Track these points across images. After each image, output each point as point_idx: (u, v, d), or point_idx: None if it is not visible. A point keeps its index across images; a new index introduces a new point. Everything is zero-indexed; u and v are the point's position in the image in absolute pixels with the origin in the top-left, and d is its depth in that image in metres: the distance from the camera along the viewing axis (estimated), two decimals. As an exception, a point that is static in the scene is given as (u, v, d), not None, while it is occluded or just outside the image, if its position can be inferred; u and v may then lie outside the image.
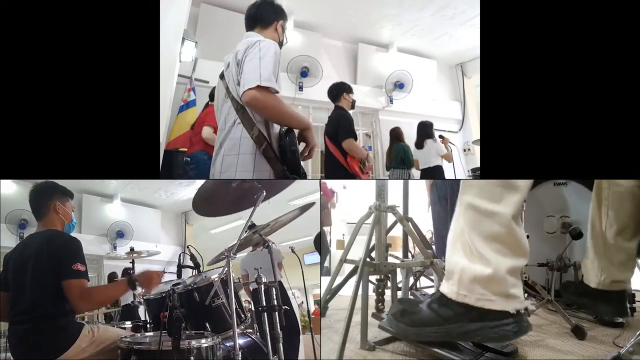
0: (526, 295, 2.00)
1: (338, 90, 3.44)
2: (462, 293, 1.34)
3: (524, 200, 1.35)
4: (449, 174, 4.91)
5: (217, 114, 1.84)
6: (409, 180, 3.50)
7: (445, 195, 2.54)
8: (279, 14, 1.87)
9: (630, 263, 1.84)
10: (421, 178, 4.73)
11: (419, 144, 4.73)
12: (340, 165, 3.25)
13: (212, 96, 3.67)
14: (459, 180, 2.04)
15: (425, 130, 4.76)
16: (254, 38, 1.70)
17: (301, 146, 1.82)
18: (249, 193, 1.72)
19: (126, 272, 4.38)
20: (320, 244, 3.60)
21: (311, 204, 2.01)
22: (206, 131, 3.41)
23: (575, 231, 2.25)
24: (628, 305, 1.86)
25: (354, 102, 3.54)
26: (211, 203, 1.80)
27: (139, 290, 2.23)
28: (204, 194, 1.73)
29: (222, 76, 1.80)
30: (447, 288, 1.39)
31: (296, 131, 1.74)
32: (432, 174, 4.55)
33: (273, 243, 2.61)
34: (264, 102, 1.57)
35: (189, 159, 3.47)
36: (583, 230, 2.17)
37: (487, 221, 1.32)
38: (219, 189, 1.72)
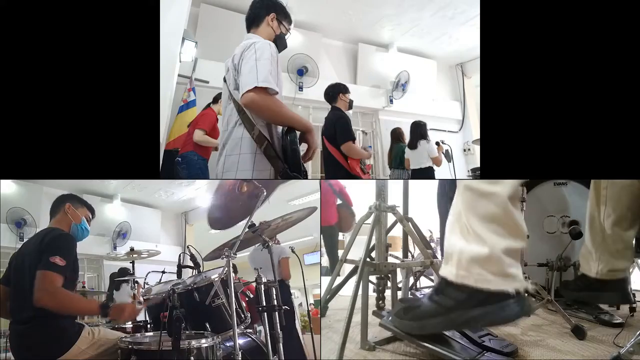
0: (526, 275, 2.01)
1: (334, 92, 3.43)
2: (460, 274, 1.35)
3: (521, 183, 1.37)
4: (449, 174, 4.89)
5: (222, 116, 1.85)
6: (409, 180, 3.49)
7: (450, 195, 2.52)
8: (270, 8, 1.85)
9: (628, 252, 1.87)
10: (412, 178, 4.71)
11: (413, 145, 4.61)
12: (340, 167, 3.26)
13: (215, 99, 3.68)
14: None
15: (419, 131, 4.61)
16: (250, 40, 1.70)
17: (302, 147, 1.82)
18: (254, 193, 1.73)
19: (125, 271, 4.38)
20: (322, 244, 3.62)
21: (315, 208, 2.01)
22: (197, 134, 3.47)
23: (575, 231, 2.25)
24: (630, 292, 1.88)
25: (351, 102, 3.53)
26: (226, 214, 1.81)
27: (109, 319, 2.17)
28: (217, 209, 1.74)
29: (225, 80, 1.81)
30: (446, 270, 1.41)
31: (297, 132, 1.74)
32: (424, 174, 4.49)
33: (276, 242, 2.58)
34: (262, 104, 1.56)
35: (179, 159, 3.51)
36: (583, 230, 2.18)
37: (483, 202, 1.33)
38: (227, 196, 1.73)
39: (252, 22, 1.86)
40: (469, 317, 1.34)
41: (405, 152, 4.68)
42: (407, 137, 4.82)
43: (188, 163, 3.48)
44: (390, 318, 1.61)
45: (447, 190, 2.49)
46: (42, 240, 1.69)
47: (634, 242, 1.88)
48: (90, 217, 1.96)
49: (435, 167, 4.54)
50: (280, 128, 1.75)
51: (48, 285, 1.57)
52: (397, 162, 4.65)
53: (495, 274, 1.30)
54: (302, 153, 1.82)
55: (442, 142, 4.72)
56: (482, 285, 1.31)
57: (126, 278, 3.93)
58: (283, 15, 1.89)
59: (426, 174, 4.51)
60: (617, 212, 1.81)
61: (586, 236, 1.94)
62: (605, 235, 1.84)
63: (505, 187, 1.32)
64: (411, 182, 2.51)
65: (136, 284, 3.89)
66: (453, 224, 1.41)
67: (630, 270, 2.33)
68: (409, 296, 2.16)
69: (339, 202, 3.80)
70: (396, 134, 4.82)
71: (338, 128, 3.24)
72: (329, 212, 3.69)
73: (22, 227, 5.06)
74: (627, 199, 1.80)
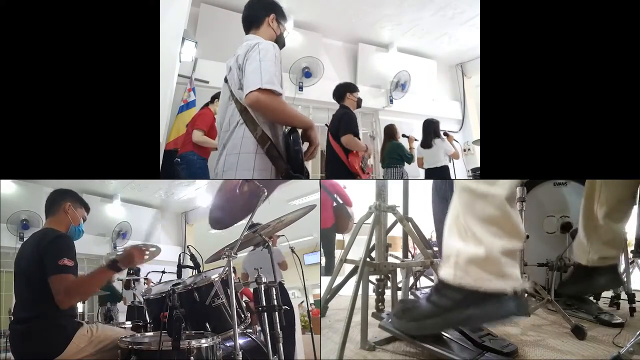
0: (525, 275, 2.05)
1: (341, 90, 3.50)
2: (458, 275, 1.36)
3: (519, 184, 1.38)
4: (450, 173, 4.88)
5: (221, 116, 1.84)
6: (409, 180, 3.49)
7: (445, 195, 2.52)
8: (268, 9, 1.85)
9: (618, 241, 1.95)
10: (426, 178, 4.68)
11: (427, 144, 4.56)
12: (341, 163, 3.27)
13: (213, 98, 3.68)
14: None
15: (433, 129, 4.59)
16: (253, 41, 1.70)
17: (305, 145, 1.82)
18: (255, 192, 1.73)
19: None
20: (322, 245, 3.62)
21: (313, 206, 2.01)
22: (197, 135, 3.47)
23: (568, 227, 2.28)
24: (621, 276, 2.02)
25: (359, 100, 3.56)
26: (227, 213, 1.82)
27: (124, 271, 2.15)
28: (218, 209, 1.75)
29: (226, 80, 1.81)
30: (444, 272, 1.42)
31: (299, 131, 1.74)
32: (439, 174, 4.45)
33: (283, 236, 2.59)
34: (266, 104, 1.57)
35: (179, 160, 3.51)
36: (574, 223, 2.22)
37: (480, 203, 1.33)
38: (229, 196, 1.73)
39: (252, 23, 1.85)
40: (466, 316, 1.35)
41: (418, 150, 4.67)
42: (399, 134, 4.77)
43: (187, 163, 3.49)
44: (389, 319, 1.61)
45: (443, 191, 2.49)
46: (39, 243, 1.67)
47: (625, 233, 1.98)
48: (86, 216, 1.95)
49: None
50: (282, 128, 1.76)
51: (65, 287, 1.58)
52: (390, 159, 4.51)
53: (493, 274, 1.31)
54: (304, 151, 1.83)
55: (449, 132, 4.74)
56: (480, 285, 1.32)
57: (135, 277, 3.97)
58: (282, 16, 1.89)
59: (442, 173, 4.48)
60: (609, 205, 1.87)
61: (579, 225, 2.00)
62: (597, 225, 1.90)
63: (502, 188, 1.32)
64: (411, 182, 2.51)
65: (136, 282, 3.92)
66: (451, 226, 1.42)
67: (631, 270, 2.34)
68: (409, 297, 2.16)
69: (335, 204, 3.80)
70: (390, 131, 4.70)
71: (341, 122, 3.27)
72: (326, 214, 3.70)
73: (29, 229, 5.05)
74: (619, 193, 1.86)
